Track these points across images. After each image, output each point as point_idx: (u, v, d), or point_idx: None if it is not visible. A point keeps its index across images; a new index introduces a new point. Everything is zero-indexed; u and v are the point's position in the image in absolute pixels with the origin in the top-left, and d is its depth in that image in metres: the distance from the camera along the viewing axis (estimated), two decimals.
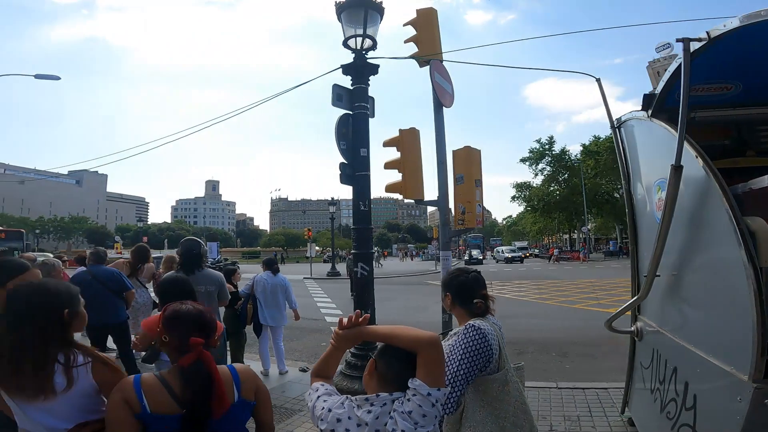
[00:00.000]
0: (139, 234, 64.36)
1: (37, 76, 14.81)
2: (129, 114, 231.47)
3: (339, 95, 4.83)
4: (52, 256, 6.83)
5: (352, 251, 4.75)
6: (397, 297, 15.96)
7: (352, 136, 4.80)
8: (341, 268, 29.14)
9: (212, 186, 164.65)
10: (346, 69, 4.93)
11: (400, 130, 4.88)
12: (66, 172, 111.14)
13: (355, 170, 4.69)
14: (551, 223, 53.45)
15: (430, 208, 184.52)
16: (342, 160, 4.74)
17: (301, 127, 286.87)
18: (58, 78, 15.15)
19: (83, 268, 6.35)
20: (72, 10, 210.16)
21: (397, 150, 4.88)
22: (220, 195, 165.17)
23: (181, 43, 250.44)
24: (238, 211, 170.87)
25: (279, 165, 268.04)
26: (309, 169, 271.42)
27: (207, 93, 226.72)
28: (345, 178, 4.66)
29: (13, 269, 2.07)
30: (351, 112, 4.87)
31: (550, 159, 46.84)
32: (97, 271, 4.68)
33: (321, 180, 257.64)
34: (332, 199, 31.44)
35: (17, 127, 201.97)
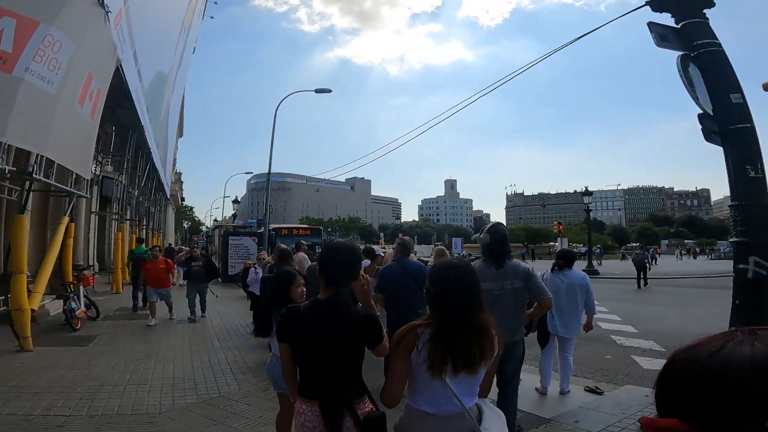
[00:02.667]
0: (395, 231, 74.82)
1: (317, 91, 18.37)
2: (380, 124, 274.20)
3: (661, 35, 3.60)
4: None
5: (735, 238, 3.11)
6: (699, 302, 12.09)
7: (711, 82, 3.27)
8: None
9: (450, 185, 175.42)
10: (658, 5, 3.71)
11: None
12: (344, 180, 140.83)
13: (725, 123, 3.08)
14: None
15: (715, 196, 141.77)
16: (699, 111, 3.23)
17: (530, 121, 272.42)
18: (330, 91, 18.55)
19: (368, 261, 6.91)
20: (321, 38, 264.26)
21: None
22: (458, 193, 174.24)
23: (405, 54, 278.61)
24: (474, 208, 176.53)
25: (512, 160, 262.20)
26: (544, 163, 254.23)
27: (436, 97, 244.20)
28: (708, 134, 3.15)
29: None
30: (691, 53, 3.51)
31: None
32: (406, 263, 4.51)
33: (557, 173, 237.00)
34: (586, 189, 27.41)
35: (306, 143, 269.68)
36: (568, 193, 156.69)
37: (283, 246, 6.79)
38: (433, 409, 1.73)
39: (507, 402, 3.08)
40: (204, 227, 73.81)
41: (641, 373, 5.52)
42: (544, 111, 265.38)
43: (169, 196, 33.43)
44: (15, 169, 6.31)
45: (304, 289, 2.98)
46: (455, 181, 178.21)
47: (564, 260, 4.81)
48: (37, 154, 5.93)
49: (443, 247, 6.99)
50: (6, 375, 5.11)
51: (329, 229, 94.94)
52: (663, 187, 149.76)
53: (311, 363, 1.91)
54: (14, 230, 6.33)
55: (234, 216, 31.09)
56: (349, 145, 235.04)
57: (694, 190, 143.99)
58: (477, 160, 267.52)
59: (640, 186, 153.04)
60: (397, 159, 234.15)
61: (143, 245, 12.58)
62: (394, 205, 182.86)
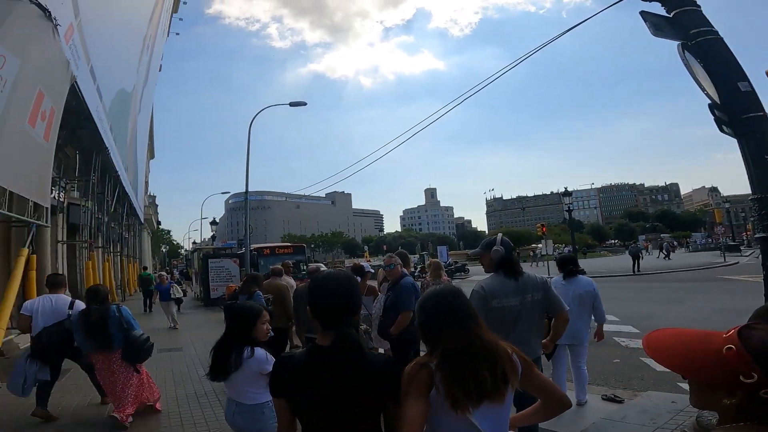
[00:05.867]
0: (379, 243, 74.40)
1: (291, 104, 17.94)
2: (357, 137, 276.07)
3: (656, 24, 3.48)
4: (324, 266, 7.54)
5: (761, 234, 2.87)
6: (691, 297, 12.09)
7: (714, 71, 3.11)
8: (583, 263, 25.94)
9: (431, 194, 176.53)
10: None
11: None
12: (324, 195, 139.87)
13: (736, 113, 2.90)
14: None
15: (684, 189, 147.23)
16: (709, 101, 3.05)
17: (504, 126, 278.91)
18: (305, 104, 18.23)
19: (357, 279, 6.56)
20: (293, 53, 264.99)
21: None
22: (438, 201, 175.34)
23: (379, 66, 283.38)
24: (456, 215, 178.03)
25: (489, 166, 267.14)
26: (520, 166, 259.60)
27: (411, 107, 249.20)
28: (719, 124, 2.96)
29: None
30: (689, 42, 3.36)
31: None
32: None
33: (533, 175, 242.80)
34: (565, 189, 27.76)
35: (284, 160, 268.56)
36: (545, 194, 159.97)
37: (256, 273, 6.37)
38: None
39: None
40: (183, 250, 71.80)
41: (656, 376, 5.27)
42: (516, 116, 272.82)
43: (143, 221, 32.25)
44: None
45: (269, 327, 2.68)
46: (435, 189, 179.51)
47: (562, 265, 4.64)
48: None
49: (438, 261, 6.72)
50: None
51: (312, 246, 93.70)
52: (634, 183, 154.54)
53: (318, 425, 1.53)
54: None
55: (213, 238, 30.11)
56: (327, 159, 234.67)
57: (664, 185, 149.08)
58: (456, 167, 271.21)
59: (613, 184, 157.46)
60: (377, 171, 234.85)
61: (148, 270, 18.52)
62: (376, 218, 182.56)
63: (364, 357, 1.50)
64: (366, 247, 65.10)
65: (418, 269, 21.11)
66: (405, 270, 4.95)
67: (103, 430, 4.41)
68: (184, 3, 30.63)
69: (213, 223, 28.32)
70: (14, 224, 8.71)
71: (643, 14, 3.39)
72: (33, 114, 5.58)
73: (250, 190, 17.78)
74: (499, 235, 3.02)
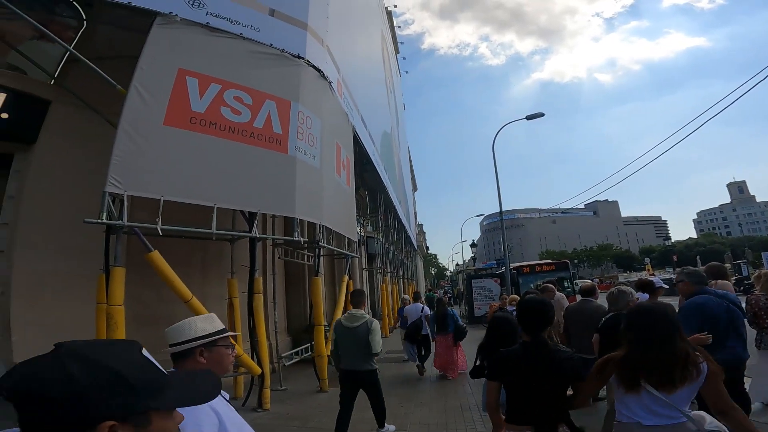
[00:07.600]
0: (665, 253, 60.55)
1: (528, 118, 16.68)
2: (610, 137, 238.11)
3: None
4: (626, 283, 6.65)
5: None
6: None
7: None
8: None
9: (737, 188, 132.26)
10: None
11: None
12: (583, 206, 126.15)
13: None
14: None
15: None
16: None
17: None
18: (542, 114, 16.61)
19: (645, 296, 5.30)
20: (511, 66, 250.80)
21: None
22: (753, 196, 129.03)
23: (616, 58, 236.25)
24: None
25: None
26: None
27: (675, 94, 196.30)
28: None
29: None
30: None
31: None
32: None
33: None
34: None
35: (530, 175, 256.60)
36: None
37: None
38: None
39: None
40: (447, 272, 78.56)
41: None
42: None
43: (416, 247, 37.15)
44: (307, 240, 7.83)
45: None
46: (744, 182, 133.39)
47: None
48: (319, 225, 6.80)
49: None
50: (307, 415, 5.79)
51: (575, 261, 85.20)
52: None
53: (524, 394, 2.32)
54: (312, 290, 7.42)
55: (473, 259, 31.65)
56: (580, 167, 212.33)
57: None
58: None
59: None
60: (648, 171, 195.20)
61: (431, 292, 20.86)
62: (657, 224, 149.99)
63: (550, 353, 2.29)
64: (647, 260, 53.96)
65: (734, 281, 15.71)
66: (713, 287, 3.89)
67: (435, 380, 7.66)
68: (401, 43, 33.78)
69: (473, 245, 29.78)
70: (336, 256, 11.34)
71: None
72: (338, 165, 7.05)
73: (502, 209, 17.75)
74: None
